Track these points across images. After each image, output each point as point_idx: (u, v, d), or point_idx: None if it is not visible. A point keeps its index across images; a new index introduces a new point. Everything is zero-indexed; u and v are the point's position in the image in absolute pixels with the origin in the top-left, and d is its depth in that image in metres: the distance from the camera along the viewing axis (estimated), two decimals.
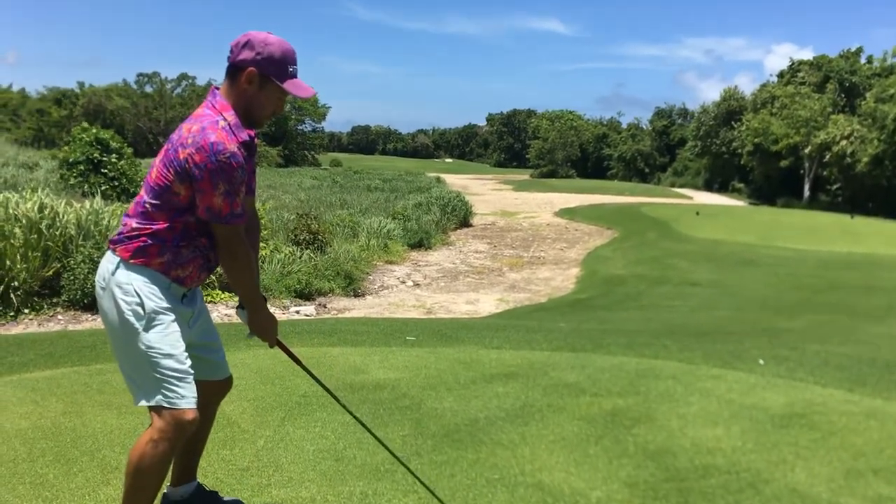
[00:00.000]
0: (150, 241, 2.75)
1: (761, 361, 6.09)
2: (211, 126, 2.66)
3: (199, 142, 2.63)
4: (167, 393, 2.74)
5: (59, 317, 11.11)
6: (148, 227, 2.75)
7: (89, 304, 11.32)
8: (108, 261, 2.81)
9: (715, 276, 16.97)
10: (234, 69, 2.78)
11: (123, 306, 2.74)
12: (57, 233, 11.76)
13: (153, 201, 2.74)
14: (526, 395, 5.07)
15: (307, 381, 5.36)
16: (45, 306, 11.35)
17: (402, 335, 7.20)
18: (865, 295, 14.09)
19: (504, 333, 7.43)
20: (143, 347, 2.73)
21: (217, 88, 2.84)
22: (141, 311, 2.73)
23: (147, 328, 2.74)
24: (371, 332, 7.38)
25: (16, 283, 11.02)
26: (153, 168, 2.77)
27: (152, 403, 2.76)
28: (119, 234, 2.81)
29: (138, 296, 2.74)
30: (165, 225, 2.75)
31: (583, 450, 4.10)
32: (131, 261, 2.75)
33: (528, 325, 8.83)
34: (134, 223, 2.77)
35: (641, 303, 13.94)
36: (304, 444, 4.14)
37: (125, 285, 2.75)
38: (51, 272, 11.53)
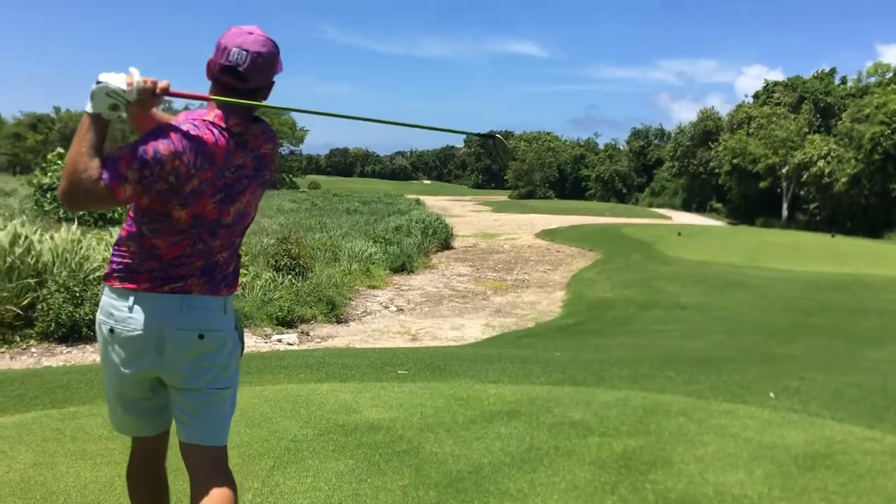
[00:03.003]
0: None
1: (772, 395, 5.84)
2: None
3: None
4: None
5: (33, 349, 10.65)
6: None
7: (64, 336, 10.89)
8: None
9: (703, 299, 16.75)
10: None
11: None
12: (31, 262, 11.35)
13: None
14: (531, 436, 4.76)
15: (296, 423, 5.04)
16: (18, 339, 10.88)
17: (393, 368, 6.88)
18: (857, 317, 13.94)
19: (499, 365, 7.13)
20: None
21: None
22: None
23: None
24: (360, 365, 7.05)
25: None
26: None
27: None
28: None
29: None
30: None
31: (599, 500, 3.80)
32: None
33: (523, 354, 8.53)
34: None
35: (632, 328, 13.67)
36: (296, 497, 3.81)
37: None
38: (24, 303, 11.09)
